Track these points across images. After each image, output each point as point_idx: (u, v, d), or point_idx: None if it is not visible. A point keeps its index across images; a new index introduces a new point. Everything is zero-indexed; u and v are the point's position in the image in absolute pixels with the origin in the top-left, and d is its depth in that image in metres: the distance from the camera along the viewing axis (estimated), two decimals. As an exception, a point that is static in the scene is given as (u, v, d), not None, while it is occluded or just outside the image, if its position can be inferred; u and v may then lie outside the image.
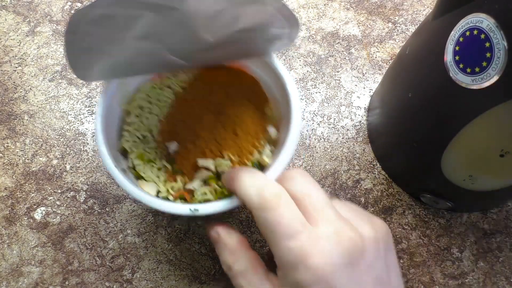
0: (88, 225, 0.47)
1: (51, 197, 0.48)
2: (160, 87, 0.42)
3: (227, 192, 0.37)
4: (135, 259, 0.45)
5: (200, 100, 0.40)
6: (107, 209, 0.47)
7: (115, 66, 0.35)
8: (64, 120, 0.51)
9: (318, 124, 0.52)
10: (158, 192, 0.39)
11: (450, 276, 0.46)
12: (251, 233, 0.47)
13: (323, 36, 0.58)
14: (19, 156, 0.49)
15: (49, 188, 0.48)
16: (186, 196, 0.38)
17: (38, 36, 0.56)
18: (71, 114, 0.52)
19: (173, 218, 0.47)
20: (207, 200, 0.37)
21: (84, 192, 0.48)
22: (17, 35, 0.56)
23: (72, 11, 0.57)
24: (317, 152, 0.51)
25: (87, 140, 0.50)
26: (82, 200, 0.48)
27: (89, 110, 0.52)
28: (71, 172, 0.49)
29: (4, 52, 0.55)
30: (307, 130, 0.52)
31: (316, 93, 0.54)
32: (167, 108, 0.41)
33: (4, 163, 0.49)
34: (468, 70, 0.33)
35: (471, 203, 0.48)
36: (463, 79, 0.34)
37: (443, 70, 0.35)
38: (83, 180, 0.49)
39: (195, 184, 0.38)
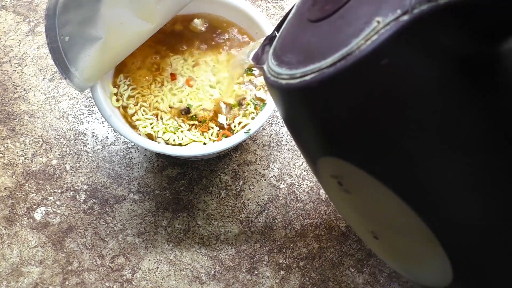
0: (88, 225, 0.47)
1: (51, 197, 0.48)
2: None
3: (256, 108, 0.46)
4: (135, 259, 0.45)
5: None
6: (107, 209, 0.47)
7: (101, 49, 0.38)
8: (64, 120, 0.51)
9: (318, 123, 0.52)
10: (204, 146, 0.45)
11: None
12: (251, 233, 0.47)
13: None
14: (19, 156, 0.49)
15: (49, 188, 0.48)
16: (228, 134, 0.44)
17: (38, 36, 0.56)
18: (71, 114, 0.52)
19: (174, 218, 0.47)
20: (244, 127, 0.44)
21: (84, 192, 0.48)
22: (17, 35, 0.56)
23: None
24: (317, 152, 0.51)
25: (87, 140, 0.50)
26: (82, 200, 0.48)
27: (89, 110, 0.52)
28: (71, 172, 0.49)
29: (4, 52, 0.55)
30: (307, 130, 0.52)
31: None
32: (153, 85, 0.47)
33: (4, 163, 0.49)
34: None
35: None
36: None
37: None
38: (83, 180, 0.49)
39: (222, 121, 0.45)
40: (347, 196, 0.29)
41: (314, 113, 0.26)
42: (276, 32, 0.34)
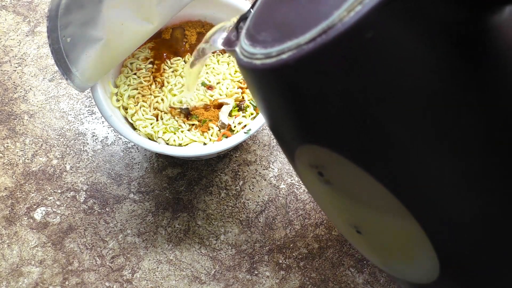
0: (88, 225, 0.47)
1: (51, 197, 0.48)
2: (134, 72, 0.47)
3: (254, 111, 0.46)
4: (135, 259, 0.46)
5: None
6: (107, 209, 0.47)
7: (102, 50, 0.39)
8: (64, 120, 0.51)
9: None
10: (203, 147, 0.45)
11: (450, 276, 0.46)
12: (251, 233, 0.47)
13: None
14: (19, 156, 0.49)
15: (49, 188, 0.48)
16: (229, 134, 0.44)
17: (38, 36, 0.56)
18: (71, 114, 0.52)
19: (174, 218, 0.47)
20: (244, 127, 0.44)
21: (84, 192, 0.48)
22: (17, 35, 0.56)
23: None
24: (317, 152, 0.51)
25: (87, 140, 0.50)
26: (82, 200, 0.48)
27: (89, 110, 0.52)
28: (71, 172, 0.49)
29: (4, 52, 0.55)
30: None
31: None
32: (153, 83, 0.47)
33: (4, 163, 0.49)
34: None
35: None
36: None
37: None
38: (83, 180, 0.49)
39: (224, 120, 0.44)
40: (328, 188, 0.27)
41: (293, 94, 0.24)
42: (251, 10, 0.31)
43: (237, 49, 0.26)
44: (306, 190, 0.49)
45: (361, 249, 0.33)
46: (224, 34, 0.35)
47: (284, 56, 0.22)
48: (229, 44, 0.31)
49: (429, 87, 0.22)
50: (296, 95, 0.23)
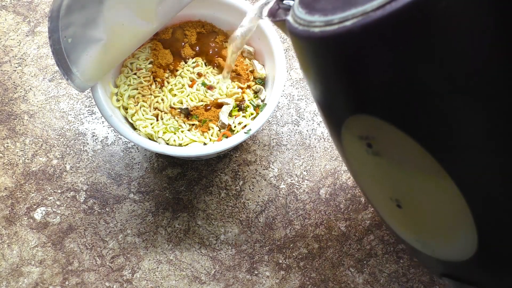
0: (88, 225, 0.47)
1: (51, 197, 0.48)
2: (134, 72, 0.47)
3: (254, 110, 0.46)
4: (135, 259, 0.46)
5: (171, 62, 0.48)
6: (107, 209, 0.47)
7: (102, 50, 0.39)
8: (64, 120, 0.51)
9: (318, 124, 0.52)
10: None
11: (450, 276, 0.46)
12: (251, 233, 0.47)
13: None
14: (19, 156, 0.49)
15: (49, 188, 0.48)
16: (229, 134, 0.44)
17: (38, 36, 0.56)
18: (71, 114, 0.52)
19: (174, 218, 0.47)
20: (244, 127, 0.44)
21: (84, 192, 0.48)
22: (17, 35, 0.56)
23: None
24: (317, 152, 0.51)
25: (87, 140, 0.50)
26: (82, 200, 0.48)
27: (89, 110, 0.52)
28: (71, 172, 0.49)
29: (4, 52, 0.55)
30: (307, 130, 0.52)
31: (316, 93, 0.54)
32: (154, 83, 0.47)
33: (4, 163, 0.49)
34: None
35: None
36: None
37: None
38: (83, 180, 0.49)
39: (224, 120, 0.44)
40: (375, 160, 0.27)
41: (353, 62, 0.23)
42: None
43: (290, 18, 0.26)
44: (307, 190, 0.49)
45: (397, 226, 0.33)
46: (269, 6, 0.35)
47: (347, 23, 0.22)
48: (273, 15, 0.31)
49: (492, 67, 0.21)
50: (357, 63, 0.23)
